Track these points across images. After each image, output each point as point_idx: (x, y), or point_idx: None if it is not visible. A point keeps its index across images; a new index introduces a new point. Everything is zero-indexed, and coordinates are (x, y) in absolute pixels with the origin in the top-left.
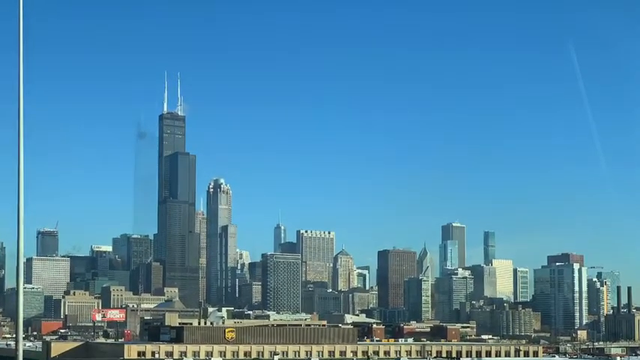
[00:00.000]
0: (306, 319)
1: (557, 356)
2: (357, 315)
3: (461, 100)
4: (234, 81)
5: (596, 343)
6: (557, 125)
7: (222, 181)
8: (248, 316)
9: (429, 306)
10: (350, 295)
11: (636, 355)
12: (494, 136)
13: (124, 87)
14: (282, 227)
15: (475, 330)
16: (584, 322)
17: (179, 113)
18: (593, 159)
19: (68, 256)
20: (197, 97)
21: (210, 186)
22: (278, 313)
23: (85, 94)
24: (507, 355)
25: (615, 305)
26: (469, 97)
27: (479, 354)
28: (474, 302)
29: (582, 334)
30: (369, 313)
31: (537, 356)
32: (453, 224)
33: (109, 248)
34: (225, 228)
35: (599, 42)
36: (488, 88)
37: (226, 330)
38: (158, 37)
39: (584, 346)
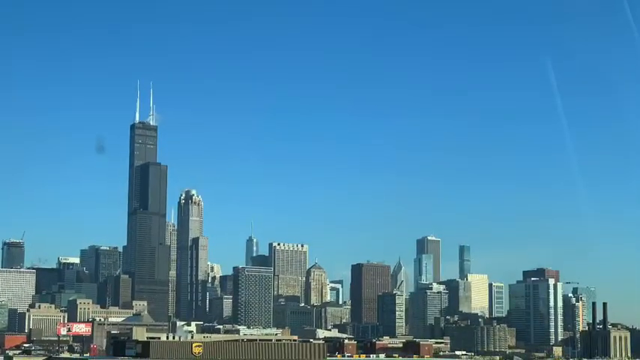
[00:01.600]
0: (277, 334)
1: None
2: (330, 330)
3: (436, 114)
4: (206, 90)
5: None
6: (533, 139)
7: (193, 192)
8: (218, 331)
9: (403, 321)
10: (322, 309)
11: None
12: (471, 148)
13: (95, 96)
14: (255, 240)
15: (449, 346)
16: (560, 338)
17: (151, 123)
18: (569, 175)
19: (34, 268)
20: (169, 107)
21: (182, 197)
22: (249, 327)
23: (53, 104)
24: None
25: (591, 321)
26: (444, 111)
27: None
28: (448, 317)
29: (557, 351)
30: (341, 328)
31: None
32: (428, 238)
33: (77, 260)
34: (196, 240)
35: (578, 57)
36: (464, 102)
37: (193, 345)
38: (130, 46)
39: None
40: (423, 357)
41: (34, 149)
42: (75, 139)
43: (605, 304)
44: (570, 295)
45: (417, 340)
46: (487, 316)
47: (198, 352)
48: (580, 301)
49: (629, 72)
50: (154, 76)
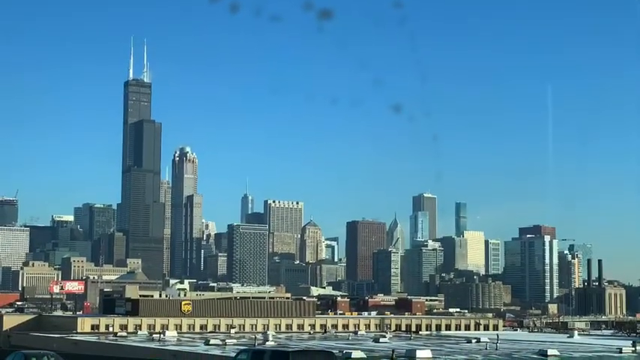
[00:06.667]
0: (270, 292)
1: (519, 330)
2: (324, 288)
3: (432, 72)
4: (201, 46)
5: (563, 317)
6: (529, 95)
7: (187, 149)
8: (212, 289)
9: (398, 278)
10: (318, 267)
11: (601, 329)
12: (466, 105)
13: (89, 51)
14: (250, 197)
15: (443, 303)
16: (555, 295)
17: (145, 80)
18: (566, 130)
19: (28, 226)
20: (164, 63)
21: (176, 154)
22: (242, 285)
23: (49, 60)
24: (467, 328)
25: (586, 278)
26: (441, 69)
27: (438, 327)
28: (443, 275)
29: (552, 308)
30: (336, 285)
31: (497, 330)
32: (425, 195)
33: (71, 218)
34: (190, 197)
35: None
36: (461, 60)
37: (182, 303)
38: (124, 0)
39: (549, 320)
40: (415, 314)
41: (26, 106)
42: (68, 96)
43: (600, 262)
44: (566, 252)
45: (410, 297)
46: (483, 273)
47: (187, 310)
48: (576, 258)
49: (628, 26)
50: (148, 32)
